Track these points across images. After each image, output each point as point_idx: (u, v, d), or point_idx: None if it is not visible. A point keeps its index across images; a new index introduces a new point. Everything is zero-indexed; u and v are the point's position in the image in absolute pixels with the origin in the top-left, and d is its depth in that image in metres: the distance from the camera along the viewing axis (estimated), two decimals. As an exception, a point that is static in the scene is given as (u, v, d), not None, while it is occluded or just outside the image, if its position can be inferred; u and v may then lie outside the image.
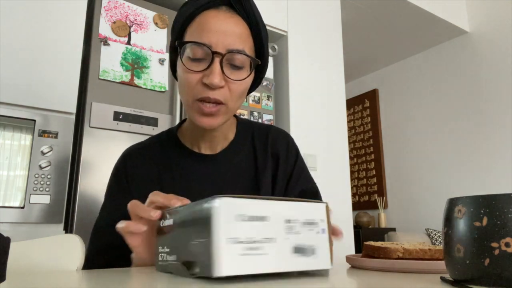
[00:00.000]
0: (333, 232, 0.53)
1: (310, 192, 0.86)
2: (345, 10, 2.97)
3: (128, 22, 1.81)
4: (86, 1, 1.70)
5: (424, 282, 0.41)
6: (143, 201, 0.57)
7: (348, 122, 4.37)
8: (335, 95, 2.46)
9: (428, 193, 3.65)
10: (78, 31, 1.66)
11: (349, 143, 4.44)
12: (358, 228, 3.50)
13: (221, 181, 0.78)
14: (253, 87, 0.80)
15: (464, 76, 3.47)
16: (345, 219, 2.30)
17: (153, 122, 1.77)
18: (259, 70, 0.78)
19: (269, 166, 0.82)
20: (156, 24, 1.89)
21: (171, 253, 0.46)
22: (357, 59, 4.01)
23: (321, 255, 0.43)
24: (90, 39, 1.71)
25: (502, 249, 0.34)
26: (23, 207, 1.41)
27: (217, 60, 0.66)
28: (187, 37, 0.70)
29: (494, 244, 0.34)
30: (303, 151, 2.27)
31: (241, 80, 0.69)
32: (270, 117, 2.20)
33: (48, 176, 1.47)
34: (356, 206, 4.02)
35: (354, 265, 0.57)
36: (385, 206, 3.96)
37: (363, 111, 4.39)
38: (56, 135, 1.51)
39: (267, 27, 2.25)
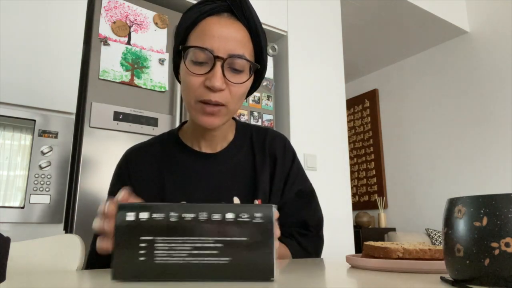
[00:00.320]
0: None
1: (306, 192, 0.90)
2: (345, 10, 2.96)
3: (128, 22, 1.81)
4: (86, 1, 1.70)
5: (424, 282, 0.41)
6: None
7: (348, 122, 4.37)
8: (335, 95, 2.46)
9: (428, 193, 3.65)
10: (78, 31, 1.66)
11: (349, 143, 4.44)
12: (358, 228, 3.50)
13: (221, 178, 0.82)
14: (252, 89, 0.83)
15: (464, 76, 3.47)
16: (345, 219, 2.30)
17: (153, 122, 1.77)
18: (258, 73, 0.82)
19: (267, 165, 0.85)
20: (156, 24, 1.89)
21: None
22: (357, 59, 4.01)
23: None
24: (90, 39, 1.71)
25: (502, 249, 0.34)
26: (23, 207, 1.41)
27: (218, 64, 0.70)
28: (191, 42, 0.73)
29: (494, 244, 0.34)
30: (303, 151, 2.28)
31: (241, 83, 0.73)
32: (270, 117, 2.19)
33: (48, 176, 1.47)
34: (356, 206, 4.02)
35: (354, 265, 0.57)
36: (385, 206, 3.96)
37: (363, 111, 4.39)
38: (56, 135, 1.51)
39: (267, 27, 2.25)
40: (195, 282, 0.40)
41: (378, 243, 0.58)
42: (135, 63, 1.78)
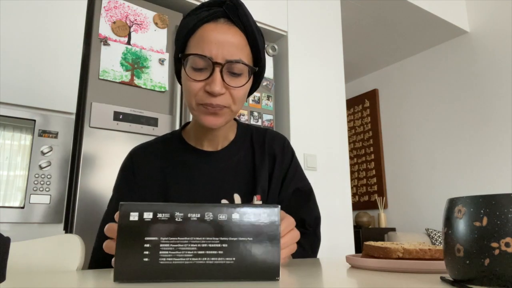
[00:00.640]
0: None
1: (304, 191, 0.92)
2: (345, 10, 2.96)
3: (128, 22, 1.81)
4: (86, 1, 1.70)
5: (424, 282, 0.41)
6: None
7: (348, 122, 4.38)
8: (335, 95, 2.46)
9: (428, 193, 3.65)
10: (78, 31, 1.66)
11: (349, 143, 4.44)
12: (358, 228, 3.50)
13: (221, 175, 0.85)
14: (252, 89, 0.86)
15: (464, 76, 3.47)
16: (345, 219, 2.30)
17: (153, 122, 1.77)
18: (257, 74, 0.84)
19: (266, 164, 0.88)
20: (156, 24, 1.89)
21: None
22: (357, 59, 4.01)
23: None
24: (90, 39, 1.71)
25: (502, 249, 0.34)
26: (23, 207, 1.41)
27: (217, 70, 0.73)
28: (190, 49, 0.76)
29: (494, 244, 0.34)
30: (303, 151, 2.28)
31: (240, 86, 0.76)
32: (270, 117, 2.19)
33: (48, 176, 1.47)
34: (356, 206, 4.02)
35: (354, 265, 0.57)
36: (385, 206, 3.96)
37: (363, 111, 4.39)
38: (56, 135, 1.51)
39: (267, 27, 2.25)
40: (200, 283, 0.40)
41: (378, 243, 0.58)
42: (135, 63, 1.78)
